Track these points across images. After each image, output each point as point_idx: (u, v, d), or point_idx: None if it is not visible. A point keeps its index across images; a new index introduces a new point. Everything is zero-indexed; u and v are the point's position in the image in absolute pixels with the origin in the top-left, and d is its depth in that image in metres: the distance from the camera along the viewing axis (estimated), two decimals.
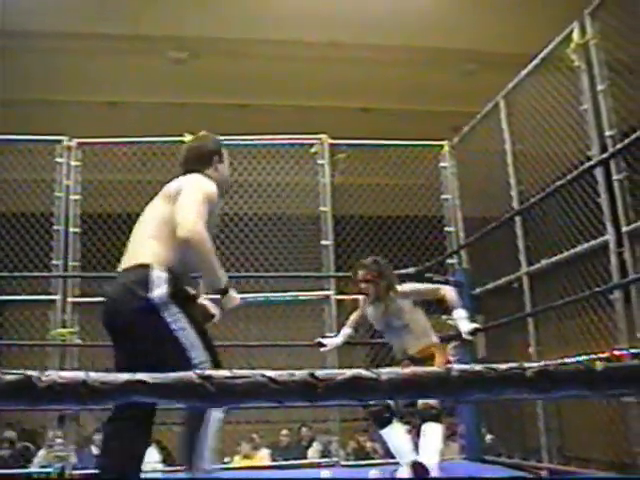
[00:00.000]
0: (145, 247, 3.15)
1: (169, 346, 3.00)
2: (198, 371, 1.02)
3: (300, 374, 1.04)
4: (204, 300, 3.39)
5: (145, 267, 3.05)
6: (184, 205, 3.10)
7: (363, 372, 1.06)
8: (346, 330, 5.24)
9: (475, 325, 4.88)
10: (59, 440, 6.27)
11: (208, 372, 1.02)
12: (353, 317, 5.25)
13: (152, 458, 7.78)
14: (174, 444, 8.89)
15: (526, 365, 1.06)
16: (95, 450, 7.77)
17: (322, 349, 5.31)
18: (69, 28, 8.38)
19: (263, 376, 1.03)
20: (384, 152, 7.33)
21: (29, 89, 9.14)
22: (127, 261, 3.17)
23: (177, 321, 3.02)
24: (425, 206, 7.26)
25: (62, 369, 6.37)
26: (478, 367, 1.07)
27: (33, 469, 6.79)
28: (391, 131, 7.44)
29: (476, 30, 8.46)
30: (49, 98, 9.44)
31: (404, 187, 7.23)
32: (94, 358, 7.74)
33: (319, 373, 1.04)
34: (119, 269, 3.20)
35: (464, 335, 4.72)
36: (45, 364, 6.38)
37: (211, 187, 3.29)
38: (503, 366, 1.06)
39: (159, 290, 3.00)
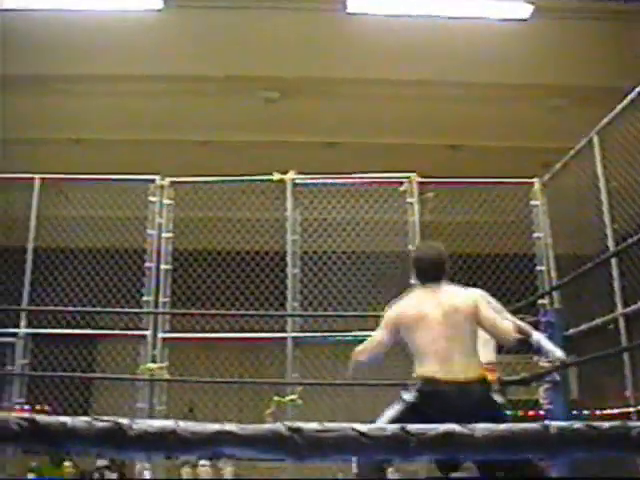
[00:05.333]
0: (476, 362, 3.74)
1: None
2: (288, 423, 1.00)
3: (391, 428, 1.00)
4: None
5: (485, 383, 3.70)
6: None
7: (456, 427, 1.02)
8: None
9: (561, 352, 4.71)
10: (147, 472, 6.33)
11: (298, 424, 0.99)
12: None
13: None
14: None
15: (631, 425, 1.00)
16: None
17: None
18: (158, 71, 8.61)
19: (353, 430, 1.00)
20: (473, 189, 7.24)
21: (123, 130, 9.44)
22: (467, 371, 3.63)
23: None
24: (515, 244, 7.12)
25: (151, 403, 6.46)
26: (578, 424, 1.01)
27: None
28: (480, 168, 7.35)
29: (562, 65, 8.32)
30: (141, 138, 9.71)
31: (494, 225, 7.12)
32: (182, 392, 7.83)
33: (410, 427, 1.01)
34: (458, 375, 3.59)
35: (556, 359, 4.53)
36: (135, 398, 6.49)
37: None
38: (605, 424, 1.00)
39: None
